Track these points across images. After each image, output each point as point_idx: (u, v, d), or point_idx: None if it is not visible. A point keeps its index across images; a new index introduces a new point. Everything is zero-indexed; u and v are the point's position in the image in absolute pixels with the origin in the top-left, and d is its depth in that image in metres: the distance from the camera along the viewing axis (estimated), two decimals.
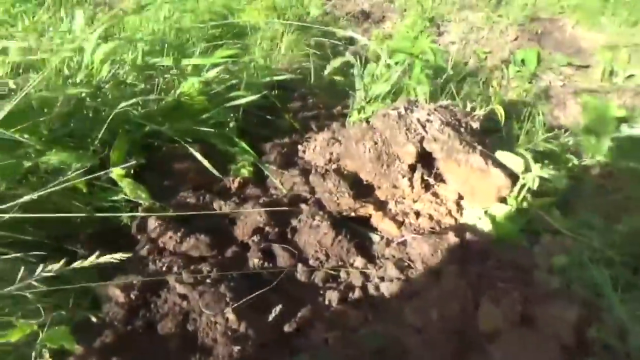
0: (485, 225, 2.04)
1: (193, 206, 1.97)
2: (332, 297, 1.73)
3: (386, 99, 2.67)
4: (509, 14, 4.36)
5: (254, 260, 1.81)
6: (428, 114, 2.19)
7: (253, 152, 2.27)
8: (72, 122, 1.92)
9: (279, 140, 2.47)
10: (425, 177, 2.15)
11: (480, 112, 2.29)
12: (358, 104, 2.69)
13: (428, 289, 1.73)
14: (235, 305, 1.55)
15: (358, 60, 2.78)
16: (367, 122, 2.31)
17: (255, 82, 2.56)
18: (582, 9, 4.44)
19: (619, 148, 2.62)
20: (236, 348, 1.45)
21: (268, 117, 2.59)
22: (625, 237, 1.95)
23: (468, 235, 1.98)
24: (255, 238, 1.89)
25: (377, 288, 1.80)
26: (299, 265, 1.84)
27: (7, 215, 1.39)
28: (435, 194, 2.16)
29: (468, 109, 2.34)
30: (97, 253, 1.26)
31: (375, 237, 2.11)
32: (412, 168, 2.14)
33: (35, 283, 1.22)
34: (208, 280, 1.64)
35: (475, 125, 2.23)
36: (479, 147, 2.07)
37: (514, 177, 2.02)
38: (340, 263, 1.89)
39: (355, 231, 2.07)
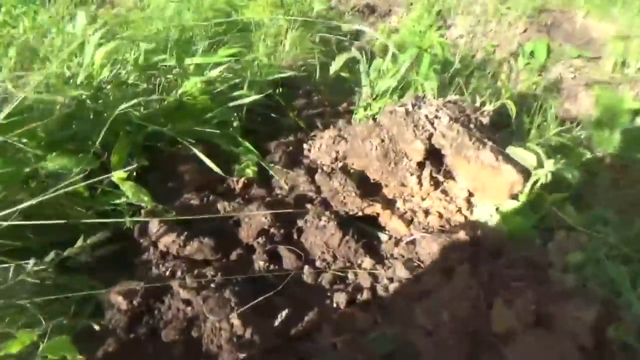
0: (497, 223, 1.99)
1: (196, 208, 1.93)
2: (339, 299, 1.70)
3: (393, 95, 2.61)
4: (517, 5, 4.27)
5: (259, 263, 1.78)
6: (436, 110, 2.13)
7: (257, 151, 2.23)
8: (72, 125, 1.89)
9: (283, 139, 2.42)
10: (434, 175, 2.09)
11: (489, 107, 2.23)
12: (364, 100, 2.64)
13: (438, 289, 1.69)
14: (241, 310, 1.52)
15: (364, 56, 2.73)
16: (374, 119, 2.26)
17: (259, 80, 2.51)
18: None
19: (634, 140, 2.56)
20: (242, 355, 1.42)
21: (272, 115, 2.55)
22: None
23: (479, 233, 1.93)
24: (261, 240, 1.86)
25: (386, 289, 1.76)
26: (306, 267, 1.80)
27: (5, 223, 1.36)
28: (444, 192, 2.11)
29: (477, 103, 2.28)
30: (90, 237, 1.21)
31: (383, 237, 2.07)
32: (421, 165, 2.09)
33: (28, 279, 1.18)
34: (212, 285, 1.60)
35: (485, 120, 2.17)
36: (489, 143, 2.02)
37: (526, 173, 1.97)
38: (347, 264, 1.85)
39: (362, 231, 2.04)
